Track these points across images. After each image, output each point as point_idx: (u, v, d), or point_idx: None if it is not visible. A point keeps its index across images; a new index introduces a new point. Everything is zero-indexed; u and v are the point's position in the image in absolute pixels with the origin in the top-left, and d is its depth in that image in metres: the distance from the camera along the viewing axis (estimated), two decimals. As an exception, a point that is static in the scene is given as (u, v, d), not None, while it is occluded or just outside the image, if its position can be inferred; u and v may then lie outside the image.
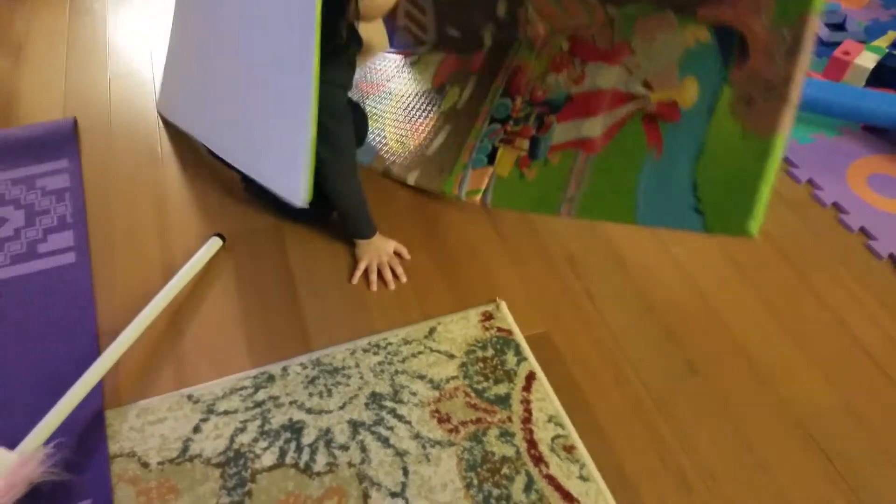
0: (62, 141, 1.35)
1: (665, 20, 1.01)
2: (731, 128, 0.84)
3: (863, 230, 1.26)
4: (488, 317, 1.09)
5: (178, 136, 1.38)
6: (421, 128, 1.34)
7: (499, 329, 1.07)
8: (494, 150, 1.22)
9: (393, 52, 1.53)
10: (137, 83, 1.52)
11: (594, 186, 1.03)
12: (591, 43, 1.13)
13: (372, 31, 1.53)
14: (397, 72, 1.48)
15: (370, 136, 1.36)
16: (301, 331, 1.07)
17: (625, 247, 1.21)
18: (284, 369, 1.02)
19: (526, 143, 1.18)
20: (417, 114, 1.37)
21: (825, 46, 1.65)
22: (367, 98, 1.44)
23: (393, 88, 1.44)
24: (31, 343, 1.03)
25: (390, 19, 1.54)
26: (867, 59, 1.52)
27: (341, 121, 1.07)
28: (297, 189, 0.97)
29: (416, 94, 1.41)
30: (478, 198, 1.21)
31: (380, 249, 1.17)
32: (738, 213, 0.80)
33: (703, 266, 1.19)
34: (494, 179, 1.20)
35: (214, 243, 1.18)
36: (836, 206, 1.30)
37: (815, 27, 0.77)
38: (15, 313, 1.07)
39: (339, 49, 1.05)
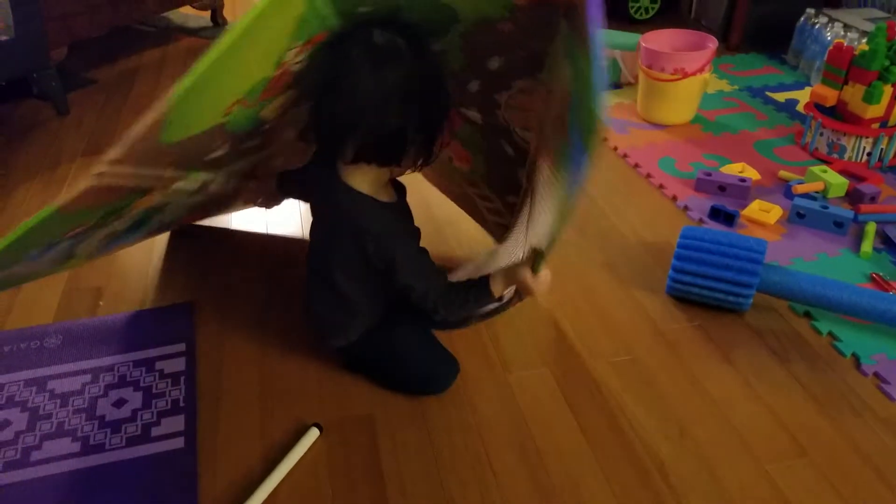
0: (181, 324, 1.47)
1: None
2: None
3: (966, 457, 1.22)
4: (578, 533, 1.08)
5: (285, 322, 1.47)
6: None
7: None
8: None
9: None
10: (250, 270, 1.66)
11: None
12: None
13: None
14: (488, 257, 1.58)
15: None
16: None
17: (719, 460, 1.20)
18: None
19: None
20: None
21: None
22: None
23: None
24: (136, 527, 1.08)
25: (482, 225, 1.66)
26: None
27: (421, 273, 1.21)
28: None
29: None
30: None
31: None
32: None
33: (799, 486, 1.16)
34: None
35: (312, 433, 1.23)
36: (935, 428, 1.27)
37: None
38: (122, 498, 1.13)
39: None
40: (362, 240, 1.16)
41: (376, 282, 1.25)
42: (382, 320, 1.32)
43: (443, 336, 1.41)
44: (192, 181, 1.31)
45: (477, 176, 1.55)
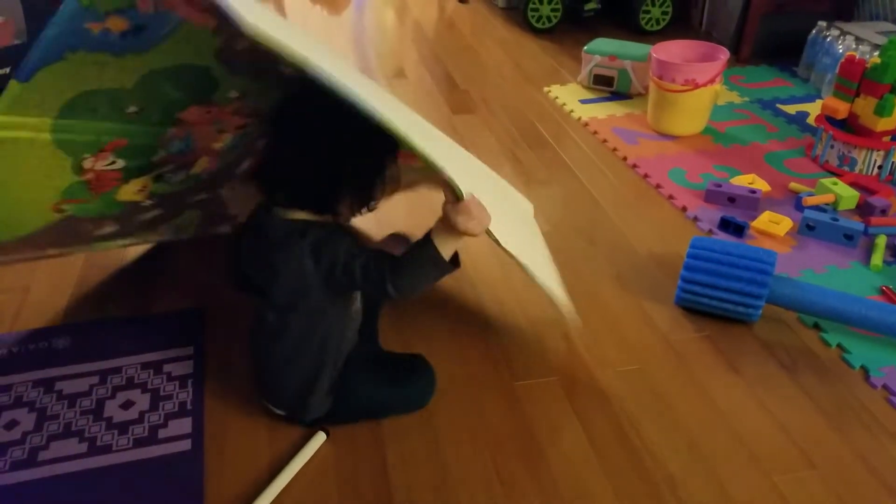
0: (190, 329, 1.47)
1: None
2: None
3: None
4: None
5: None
6: None
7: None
8: None
9: None
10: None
11: None
12: None
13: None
14: None
15: None
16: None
17: (726, 474, 1.19)
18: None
19: None
20: None
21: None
22: None
23: None
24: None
25: None
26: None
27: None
28: None
29: None
30: None
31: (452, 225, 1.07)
32: None
33: (807, 499, 1.15)
34: None
35: (318, 437, 1.23)
36: (945, 442, 1.26)
37: None
38: (129, 499, 1.13)
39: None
40: (301, 257, 1.12)
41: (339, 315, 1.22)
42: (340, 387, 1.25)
43: (448, 343, 1.41)
44: (103, 247, 1.51)
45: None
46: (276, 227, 1.15)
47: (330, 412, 1.25)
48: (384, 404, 1.29)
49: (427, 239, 1.10)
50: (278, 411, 1.26)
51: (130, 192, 1.27)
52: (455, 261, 1.14)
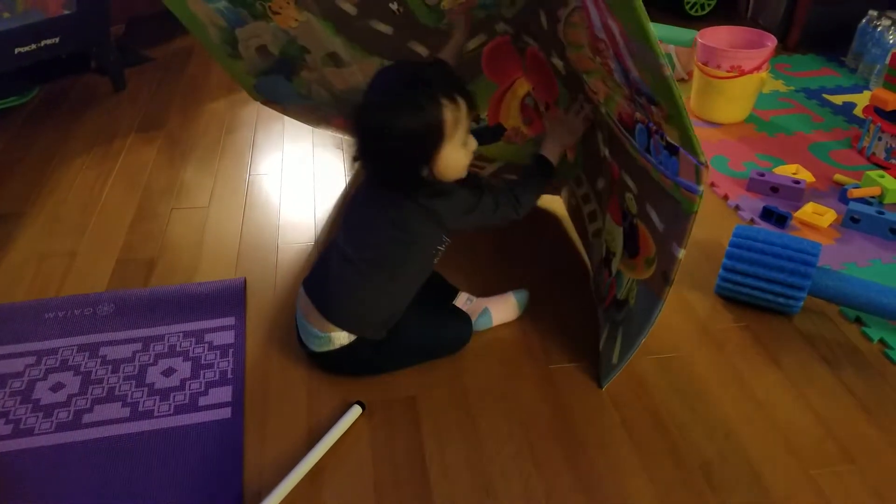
0: (232, 299, 1.49)
1: None
2: None
3: None
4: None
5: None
6: None
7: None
8: None
9: None
10: (302, 252, 1.68)
11: None
12: None
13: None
14: None
15: None
16: (429, 516, 1.11)
17: (762, 465, 1.18)
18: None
19: None
20: None
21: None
22: None
23: None
24: (180, 497, 1.11)
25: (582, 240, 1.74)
26: None
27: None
28: None
29: None
30: None
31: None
32: None
33: (844, 493, 1.14)
34: None
35: (355, 411, 1.24)
36: None
37: None
38: (169, 464, 1.16)
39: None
40: (416, 201, 1.23)
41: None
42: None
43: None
44: (322, 32, 1.55)
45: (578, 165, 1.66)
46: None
47: (378, 353, 1.30)
48: (427, 343, 1.36)
49: (542, 158, 1.42)
50: (323, 337, 1.28)
51: None
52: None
